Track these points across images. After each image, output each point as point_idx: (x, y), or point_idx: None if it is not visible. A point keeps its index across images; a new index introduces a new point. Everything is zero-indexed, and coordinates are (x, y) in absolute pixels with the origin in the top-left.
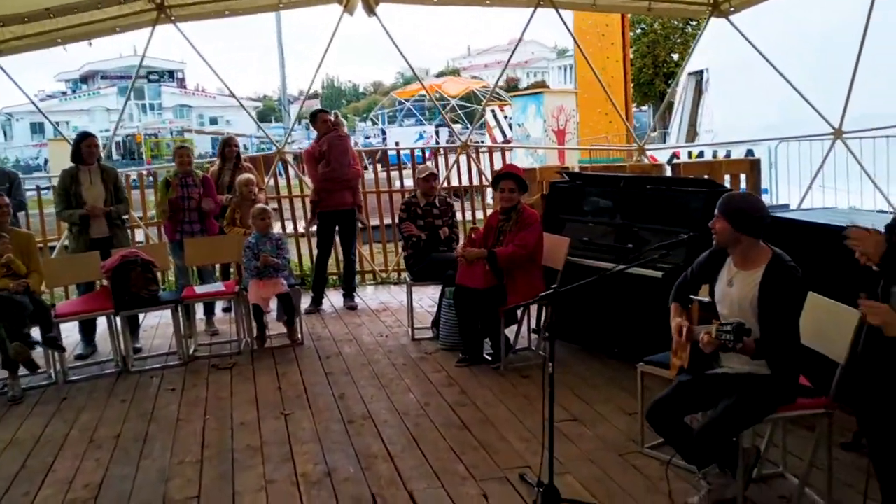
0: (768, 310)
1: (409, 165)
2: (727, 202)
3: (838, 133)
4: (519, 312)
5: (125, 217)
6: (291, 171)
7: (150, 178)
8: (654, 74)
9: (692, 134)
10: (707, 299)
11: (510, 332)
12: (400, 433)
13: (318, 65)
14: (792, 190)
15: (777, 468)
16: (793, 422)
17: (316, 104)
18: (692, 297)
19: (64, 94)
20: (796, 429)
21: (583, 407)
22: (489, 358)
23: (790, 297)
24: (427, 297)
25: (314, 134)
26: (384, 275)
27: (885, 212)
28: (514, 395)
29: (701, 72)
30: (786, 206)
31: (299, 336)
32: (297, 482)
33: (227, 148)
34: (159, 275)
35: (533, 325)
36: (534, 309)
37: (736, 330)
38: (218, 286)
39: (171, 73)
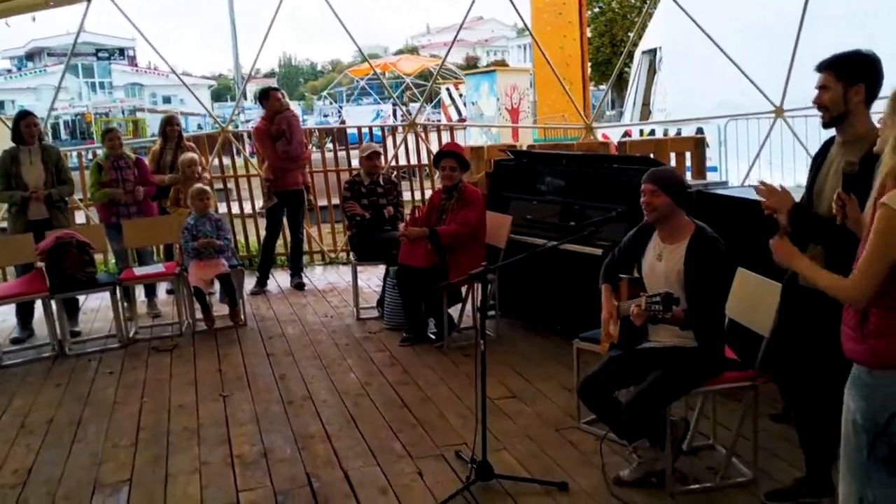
0: (694, 282)
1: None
2: (665, 177)
3: (779, 111)
4: (463, 291)
5: (67, 199)
6: (238, 150)
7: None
8: (612, 53)
9: (646, 112)
10: (636, 275)
11: (455, 311)
12: (339, 413)
13: (262, 42)
14: (741, 167)
15: (708, 440)
16: (724, 394)
17: (272, 83)
18: (621, 275)
19: (9, 71)
20: (727, 401)
21: (523, 384)
22: (433, 337)
23: (714, 268)
24: (375, 277)
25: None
26: (333, 255)
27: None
28: (455, 373)
29: (654, 50)
30: (724, 184)
31: (242, 317)
32: (232, 463)
33: (168, 127)
34: (101, 257)
35: (478, 303)
36: (479, 287)
37: (665, 300)
38: (158, 268)
39: (121, 51)
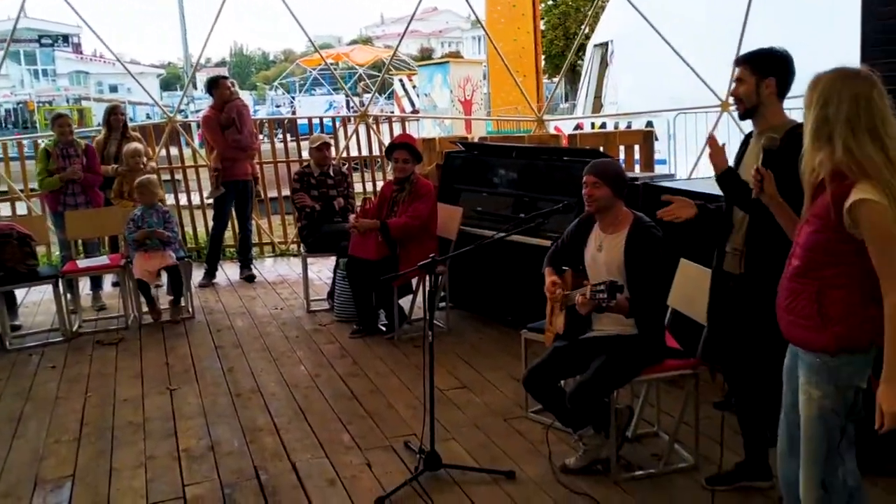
0: (634, 270)
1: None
2: (607, 169)
3: (725, 106)
4: (414, 282)
5: None
6: (187, 141)
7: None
8: (566, 46)
9: (598, 105)
10: (579, 267)
11: (406, 302)
12: (287, 406)
13: (210, 30)
14: (689, 160)
15: (652, 427)
16: (669, 382)
17: (223, 72)
18: (563, 266)
19: None
20: (671, 389)
21: (472, 374)
22: (384, 329)
23: (653, 255)
24: (326, 269)
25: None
26: (283, 247)
27: None
28: (406, 365)
29: (606, 44)
30: (671, 176)
31: (190, 310)
32: (178, 457)
33: (112, 116)
34: (43, 248)
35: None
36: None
37: (609, 288)
38: (102, 260)
39: (65, 38)
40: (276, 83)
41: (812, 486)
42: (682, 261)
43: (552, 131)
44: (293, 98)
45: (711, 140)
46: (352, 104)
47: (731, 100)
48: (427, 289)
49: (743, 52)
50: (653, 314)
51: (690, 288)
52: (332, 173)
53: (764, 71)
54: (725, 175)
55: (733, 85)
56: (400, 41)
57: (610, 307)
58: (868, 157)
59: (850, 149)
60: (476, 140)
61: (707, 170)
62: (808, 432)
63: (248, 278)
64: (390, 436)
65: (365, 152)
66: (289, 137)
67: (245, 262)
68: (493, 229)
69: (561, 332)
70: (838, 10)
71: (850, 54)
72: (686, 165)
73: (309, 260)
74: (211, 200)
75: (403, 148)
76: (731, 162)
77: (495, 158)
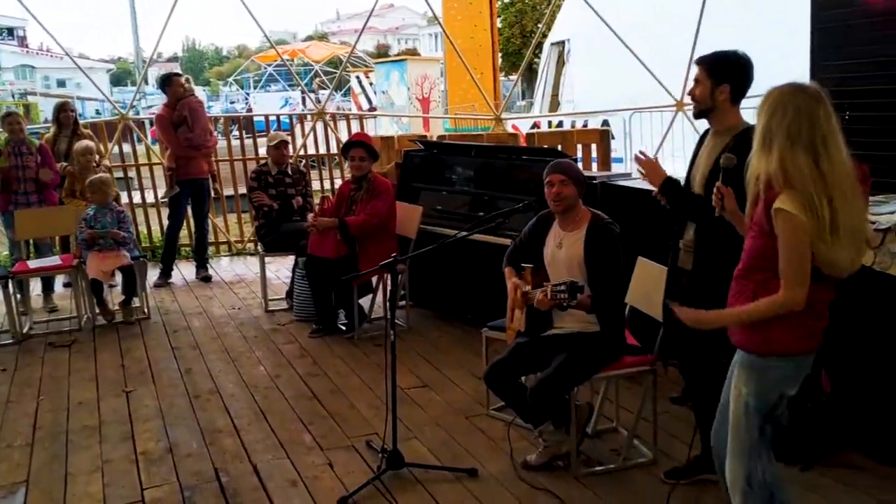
0: (595, 266)
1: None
2: (572, 168)
3: (679, 105)
4: (374, 281)
5: None
6: (140, 137)
7: None
8: (523, 44)
9: (555, 104)
10: (538, 265)
11: (365, 301)
12: (247, 406)
13: (165, 24)
14: None
15: (611, 423)
16: (628, 378)
17: (175, 67)
18: (523, 264)
19: None
20: (630, 385)
21: (433, 373)
22: (343, 328)
23: (612, 252)
24: (284, 268)
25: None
26: (240, 246)
27: None
28: (366, 364)
29: (563, 42)
30: (628, 175)
31: (145, 311)
32: (136, 460)
33: (62, 113)
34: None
35: (388, 294)
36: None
37: (570, 288)
38: (54, 260)
39: (10, 31)
40: (231, 79)
41: (738, 481)
42: (639, 259)
43: (510, 130)
44: (248, 94)
45: (639, 159)
46: (308, 101)
47: (687, 98)
48: (389, 288)
49: (698, 51)
50: (614, 310)
51: (648, 285)
52: (290, 172)
53: (720, 77)
54: (666, 186)
55: (691, 83)
56: (358, 38)
57: (570, 306)
58: (798, 170)
59: (784, 159)
60: (434, 138)
61: (668, 168)
62: (734, 427)
63: (205, 278)
64: (352, 435)
65: (322, 150)
66: (244, 134)
67: (201, 262)
68: (453, 228)
69: (522, 329)
70: (791, 10)
71: (802, 54)
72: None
73: (267, 259)
74: (166, 199)
75: (360, 146)
76: (687, 158)
77: (454, 157)
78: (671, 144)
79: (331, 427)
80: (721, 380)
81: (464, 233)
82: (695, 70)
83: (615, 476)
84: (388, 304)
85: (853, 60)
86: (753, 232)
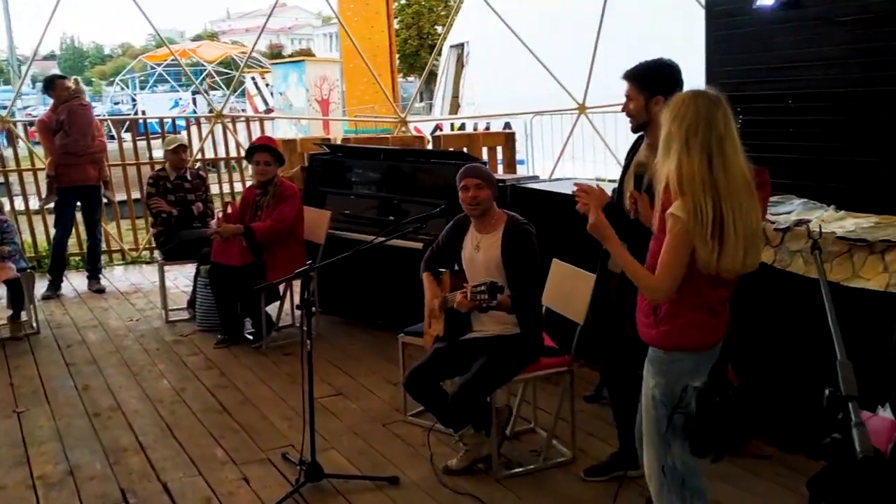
0: (513, 267)
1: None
2: (485, 172)
3: (582, 108)
4: (281, 288)
5: None
6: (22, 140)
7: None
8: (420, 46)
9: (455, 106)
10: (456, 268)
11: (272, 309)
12: (153, 423)
13: (49, 19)
14: (546, 161)
15: (529, 424)
16: (544, 379)
17: (53, 66)
18: (441, 269)
19: None
20: (546, 385)
21: (347, 380)
22: (250, 337)
23: (529, 253)
24: (183, 277)
25: (50, 100)
26: (134, 254)
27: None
28: (276, 374)
29: (462, 44)
30: (536, 178)
31: (34, 325)
32: (33, 485)
33: None
34: None
35: (297, 301)
36: (297, 284)
37: (490, 289)
38: None
39: None
40: (117, 80)
41: (653, 470)
42: (554, 261)
43: (412, 132)
44: (134, 95)
45: (579, 190)
46: (199, 102)
47: (589, 101)
48: (304, 296)
49: (600, 55)
50: (532, 312)
51: (565, 288)
52: (189, 177)
53: (652, 89)
54: (608, 211)
55: (614, 91)
56: (258, 38)
57: (491, 307)
58: (691, 173)
59: (681, 163)
60: (339, 141)
61: (570, 170)
62: (646, 419)
63: (98, 290)
64: (266, 448)
65: (221, 153)
66: (136, 137)
67: (93, 273)
68: (362, 232)
69: (441, 334)
70: (689, 14)
71: (700, 58)
72: (543, 166)
73: (165, 267)
74: (52, 206)
75: (265, 150)
76: (605, 165)
77: (362, 160)
78: (572, 147)
79: (243, 440)
80: (635, 377)
81: (381, 238)
82: (616, 76)
83: (536, 476)
84: (301, 311)
85: (746, 66)
86: (657, 233)
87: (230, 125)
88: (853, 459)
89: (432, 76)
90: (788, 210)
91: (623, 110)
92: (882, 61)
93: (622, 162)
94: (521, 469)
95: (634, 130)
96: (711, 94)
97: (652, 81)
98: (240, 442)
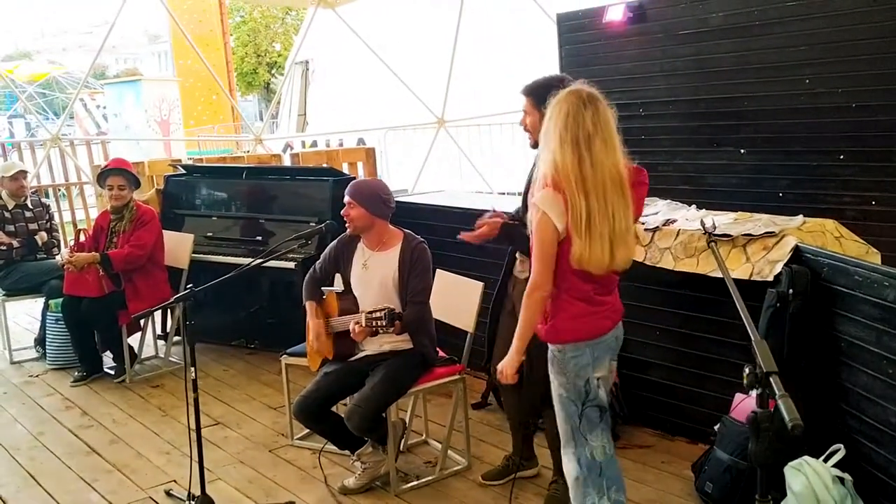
0: (410, 284)
1: None
2: (360, 189)
3: (441, 122)
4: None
5: None
6: None
7: None
8: (258, 63)
9: (303, 123)
10: (340, 288)
11: (135, 340)
12: (12, 472)
13: None
14: (403, 175)
15: (421, 436)
16: (431, 391)
17: None
18: (324, 288)
19: None
20: (434, 397)
21: (224, 408)
22: (111, 372)
23: (425, 270)
24: (23, 314)
25: None
26: None
27: (482, 192)
28: (146, 408)
29: (306, 62)
30: (404, 191)
31: None
32: None
33: None
34: None
35: (158, 330)
36: (158, 313)
37: (388, 316)
38: None
39: None
40: None
41: (570, 465)
42: (438, 271)
43: (271, 150)
44: None
45: (470, 236)
46: (23, 126)
47: (448, 115)
48: (186, 321)
49: (457, 69)
50: (427, 326)
51: (453, 297)
52: (29, 205)
53: (546, 105)
54: (506, 232)
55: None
56: (95, 58)
57: (387, 332)
58: (564, 168)
59: (555, 160)
60: (189, 162)
61: (431, 184)
62: (558, 418)
63: None
64: (147, 487)
65: (60, 179)
66: None
67: None
68: (229, 254)
69: (331, 357)
70: (543, 27)
71: (551, 69)
72: (400, 181)
73: (6, 304)
74: None
75: (119, 173)
76: (463, 177)
77: (222, 180)
78: (432, 160)
79: (119, 481)
80: (526, 380)
81: (261, 259)
82: (521, 101)
83: (434, 487)
84: (158, 341)
85: (598, 77)
86: None
87: (69, 149)
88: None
89: (270, 93)
90: (655, 211)
91: (521, 124)
92: (721, 70)
93: (483, 172)
94: (418, 481)
95: (534, 146)
96: (584, 92)
97: (545, 96)
98: (116, 483)
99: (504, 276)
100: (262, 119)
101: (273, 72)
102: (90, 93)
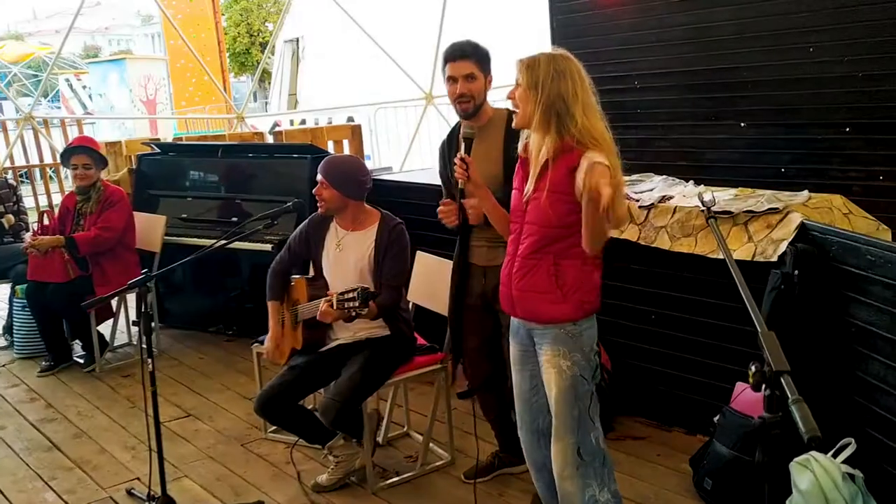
0: (386, 267)
1: None
2: (334, 168)
3: (429, 98)
4: (114, 304)
5: None
6: None
7: None
8: (251, 44)
9: (293, 102)
10: (311, 275)
11: (105, 327)
12: None
13: None
14: (392, 153)
15: (402, 428)
16: (416, 379)
17: None
18: (293, 276)
19: None
20: (417, 385)
21: (197, 399)
22: (81, 361)
23: (403, 249)
24: None
25: None
26: None
27: None
28: (114, 399)
29: (296, 39)
30: (389, 169)
31: None
32: None
33: None
34: None
35: (133, 317)
36: (132, 298)
37: (362, 295)
38: None
39: None
40: None
41: (568, 456)
42: (418, 253)
43: (252, 129)
44: None
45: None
46: (12, 107)
47: (436, 90)
48: (142, 308)
49: (445, 40)
50: (404, 311)
51: (432, 281)
52: None
53: (487, 69)
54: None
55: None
56: (66, 36)
57: (361, 315)
58: (600, 131)
59: (586, 126)
60: (170, 141)
61: (419, 161)
62: (561, 405)
63: None
64: (107, 486)
65: (34, 160)
66: None
67: None
68: (203, 237)
69: (299, 347)
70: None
71: (543, 42)
72: (390, 158)
73: None
74: None
75: (83, 152)
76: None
77: (197, 159)
78: (419, 138)
79: (79, 479)
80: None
81: (224, 241)
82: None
83: (414, 483)
84: (139, 327)
85: (591, 49)
86: (551, 199)
87: (43, 129)
88: (799, 440)
89: (266, 74)
90: (650, 188)
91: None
92: (719, 39)
93: None
94: (397, 478)
95: (471, 114)
96: (571, 56)
97: (487, 60)
98: (75, 481)
99: (460, 264)
100: (256, 100)
101: (266, 52)
102: (75, 73)
